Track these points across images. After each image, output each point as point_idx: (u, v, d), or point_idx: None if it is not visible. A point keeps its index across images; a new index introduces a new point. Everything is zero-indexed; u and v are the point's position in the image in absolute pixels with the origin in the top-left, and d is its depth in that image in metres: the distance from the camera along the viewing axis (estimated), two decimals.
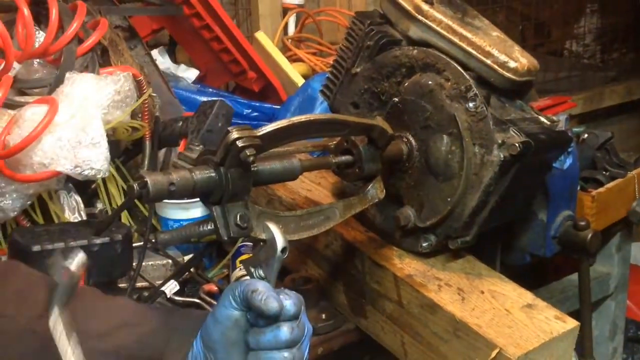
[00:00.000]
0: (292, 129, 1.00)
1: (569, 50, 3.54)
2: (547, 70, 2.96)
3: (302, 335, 0.88)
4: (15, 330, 0.95)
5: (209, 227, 0.97)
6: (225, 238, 0.93)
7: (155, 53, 2.07)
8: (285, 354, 0.87)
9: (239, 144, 0.90)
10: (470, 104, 1.20)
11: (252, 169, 0.95)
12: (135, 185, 0.86)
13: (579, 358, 1.62)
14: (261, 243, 0.91)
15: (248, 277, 0.92)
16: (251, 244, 1.41)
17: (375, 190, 1.17)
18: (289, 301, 0.87)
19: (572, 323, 1.19)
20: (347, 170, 1.15)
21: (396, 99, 1.26)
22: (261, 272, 0.90)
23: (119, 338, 0.96)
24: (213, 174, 0.91)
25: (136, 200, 1.43)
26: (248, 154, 0.90)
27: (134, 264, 1.36)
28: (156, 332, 0.97)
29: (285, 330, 0.86)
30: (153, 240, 1.42)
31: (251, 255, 0.94)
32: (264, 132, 0.94)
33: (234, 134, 0.90)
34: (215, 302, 1.35)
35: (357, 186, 1.22)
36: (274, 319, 0.86)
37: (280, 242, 0.89)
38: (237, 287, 0.88)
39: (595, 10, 3.51)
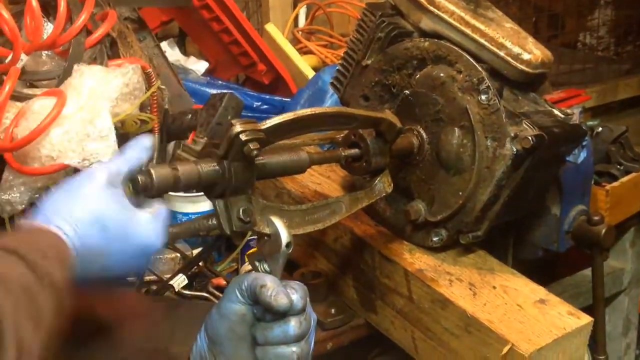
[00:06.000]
0: (297, 123, 0.98)
1: (583, 42, 3.51)
2: (560, 62, 2.93)
3: (309, 328, 0.88)
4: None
5: None
6: (228, 232, 0.91)
7: (164, 45, 2.06)
8: (294, 348, 0.86)
9: (243, 137, 0.88)
10: (483, 97, 1.18)
11: (257, 162, 0.93)
12: (140, 178, 0.85)
13: (592, 354, 1.60)
14: (265, 237, 0.90)
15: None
16: None
17: (383, 184, 1.15)
18: (296, 295, 0.86)
19: (585, 319, 1.17)
20: (354, 164, 1.14)
21: (407, 92, 1.24)
22: (266, 267, 0.89)
23: (124, 331, 0.95)
24: (217, 167, 0.89)
25: None
26: (252, 147, 0.88)
27: None
28: (161, 323, 0.97)
29: (293, 325, 0.86)
30: None
31: (256, 249, 0.93)
32: (268, 125, 0.93)
33: (238, 127, 0.88)
34: None
35: (366, 179, 1.20)
36: (282, 314, 0.85)
37: (284, 237, 0.87)
38: (243, 281, 0.87)
39: (610, 2, 3.48)
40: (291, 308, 0.85)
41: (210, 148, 0.91)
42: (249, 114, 1.86)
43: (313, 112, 1.02)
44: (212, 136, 1.49)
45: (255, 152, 0.89)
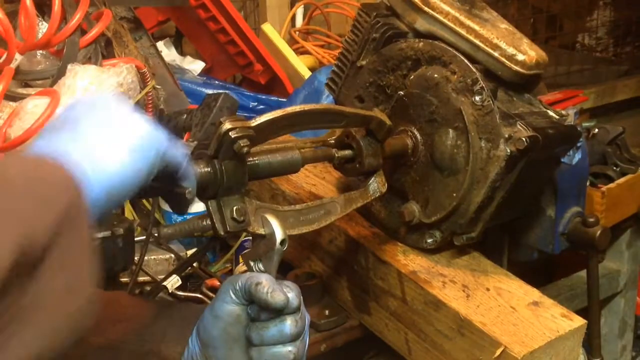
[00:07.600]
0: (286, 120, 0.97)
1: (581, 43, 3.51)
2: (558, 63, 2.93)
3: (304, 327, 0.87)
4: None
5: None
6: (222, 233, 0.91)
7: (161, 45, 2.06)
8: (290, 347, 0.86)
9: (232, 134, 0.88)
10: (477, 98, 1.17)
11: (249, 163, 0.93)
12: None
13: (588, 356, 1.60)
14: (259, 237, 0.90)
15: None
16: None
17: (377, 185, 1.15)
18: (292, 294, 0.86)
19: (578, 321, 1.17)
20: (347, 165, 1.14)
21: (401, 93, 1.24)
22: (261, 266, 0.89)
23: (115, 332, 0.95)
24: (209, 169, 0.89)
25: None
26: (242, 144, 0.88)
27: (136, 258, 1.35)
28: (153, 325, 0.96)
29: (289, 324, 0.85)
30: (156, 234, 1.41)
31: (251, 248, 0.93)
32: (258, 122, 0.92)
33: (227, 125, 0.88)
34: None
35: (360, 180, 1.20)
36: (278, 312, 0.84)
37: (279, 235, 0.87)
38: (237, 281, 0.86)
39: (608, 3, 3.48)
40: (287, 306, 0.85)
41: (200, 149, 0.90)
42: (245, 114, 1.86)
43: (302, 109, 1.01)
44: (207, 136, 1.49)
45: (245, 149, 0.89)
